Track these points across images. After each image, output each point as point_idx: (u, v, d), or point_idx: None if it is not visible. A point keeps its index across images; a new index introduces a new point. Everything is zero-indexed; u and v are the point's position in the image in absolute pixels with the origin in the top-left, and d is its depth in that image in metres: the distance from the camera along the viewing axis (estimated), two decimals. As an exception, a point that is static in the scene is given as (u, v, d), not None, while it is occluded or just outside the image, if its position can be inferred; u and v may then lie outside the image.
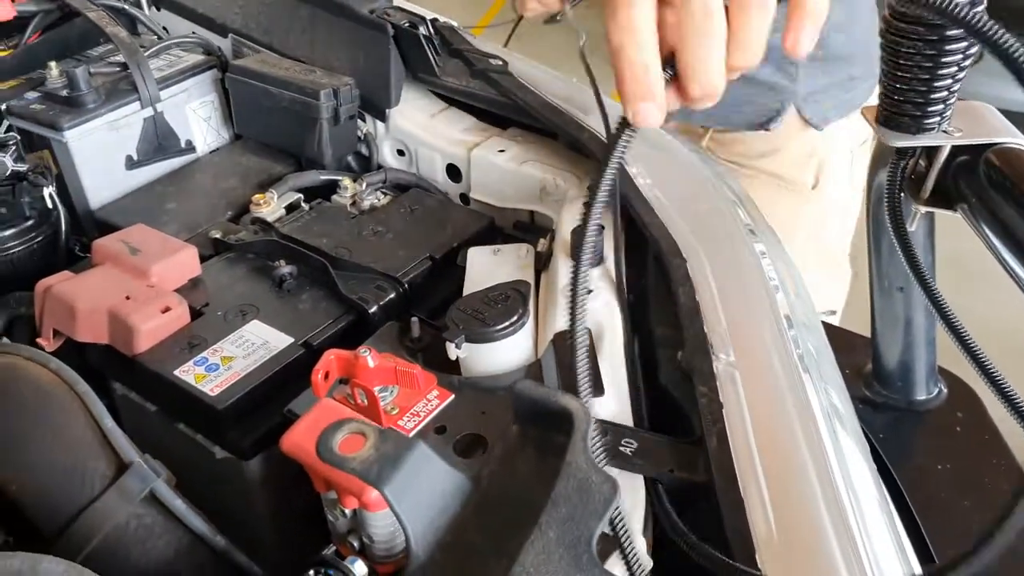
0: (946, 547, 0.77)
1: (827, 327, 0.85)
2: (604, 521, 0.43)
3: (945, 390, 0.97)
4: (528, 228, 0.97)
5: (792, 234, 1.35)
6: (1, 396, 0.63)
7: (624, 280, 0.76)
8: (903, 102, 0.65)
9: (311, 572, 0.53)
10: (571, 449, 0.46)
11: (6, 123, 1.01)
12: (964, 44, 0.61)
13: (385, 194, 0.99)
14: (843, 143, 1.38)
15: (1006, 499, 0.49)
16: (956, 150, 0.68)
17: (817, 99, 1.32)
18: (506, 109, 0.99)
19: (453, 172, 1.02)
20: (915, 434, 0.94)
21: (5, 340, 0.76)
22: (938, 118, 0.65)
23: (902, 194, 0.70)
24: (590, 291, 0.76)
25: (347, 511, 0.60)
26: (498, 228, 0.96)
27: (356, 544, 0.60)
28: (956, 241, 0.88)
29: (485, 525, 0.46)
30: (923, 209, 0.70)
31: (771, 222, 1.18)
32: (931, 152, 0.69)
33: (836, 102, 1.33)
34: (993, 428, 0.93)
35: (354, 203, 0.97)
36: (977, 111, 0.68)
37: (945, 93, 0.64)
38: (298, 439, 0.59)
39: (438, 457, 0.47)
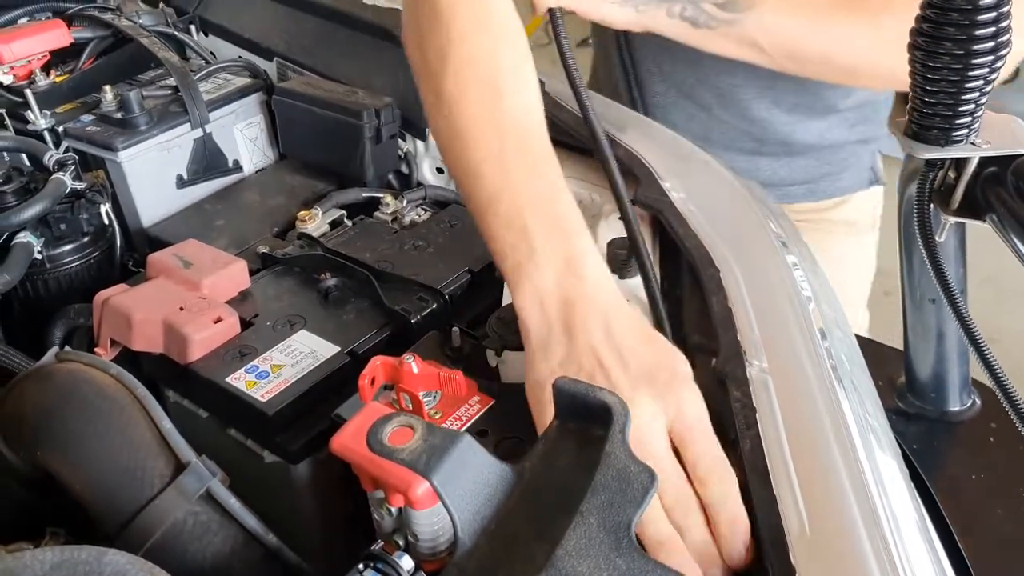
0: (980, 555, 0.78)
1: (860, 339, 0.86)
2: (642, 508, 0.45)
3: (979, 401, 0.97)
4: (564, 242, 0.99)
5: (856, 272, 1.35)
6: (65, 400, 0.67)
7: (658, 289, 0.78)
8: (932, 115, 0.66)
9: (360, 566, 0.56)
10: (610, 440, 0.48)
11: (64, 144, 1.06)
12: (992, 57, 0.62)
13: (425, 210, 1.01)
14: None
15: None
16: (984, 161, 0.69)
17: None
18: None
19: (491, 189, 1.05)
20: (948, 445, 0.95)
21: (67, 348, 0.80)
22: (966, 130, 0.67)
23: (931, 205, 0.72)
24: (627, 300, 0.78)
25: (393, 510, 0.62)
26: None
27: (401, 542, 0.62)
28: (994, 258, 0.89)
29: (528, 513, 0.48)
30: (952, 220, 0.72)
31: (839, 264, 1.18)
32: (960, 164, 0.70)
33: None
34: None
35: (395, 219, 1.00)
36: (1005, 123, 0.69)
37: (973, 105, 0.65)
38: (347, 440, 0.62)
39: (483, 449, 0.49)
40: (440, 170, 1.09)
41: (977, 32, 0.62)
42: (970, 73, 0.63)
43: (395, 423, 0.51)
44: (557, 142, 1.03)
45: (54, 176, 0.92)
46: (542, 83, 1.01)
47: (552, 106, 0.98)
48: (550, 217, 0.67)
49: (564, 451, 0.49)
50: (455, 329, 0.79)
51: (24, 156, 1.01)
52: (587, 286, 0.65)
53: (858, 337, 0.86)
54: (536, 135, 0.70)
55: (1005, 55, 0.62)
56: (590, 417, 0.50)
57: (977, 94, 0.65)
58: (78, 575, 0.53)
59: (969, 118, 0.66)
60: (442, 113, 0.72)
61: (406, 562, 0.55)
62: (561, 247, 0.66)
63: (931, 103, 0.66)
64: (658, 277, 0.78)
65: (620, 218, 0.79)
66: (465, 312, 0.87)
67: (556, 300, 0.64)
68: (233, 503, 0.63)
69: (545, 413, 0.59)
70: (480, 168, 0.69)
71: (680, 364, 0.62)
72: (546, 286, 0.65)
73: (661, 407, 0.60)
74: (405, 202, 1.00)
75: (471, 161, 0.69)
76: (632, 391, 0.59)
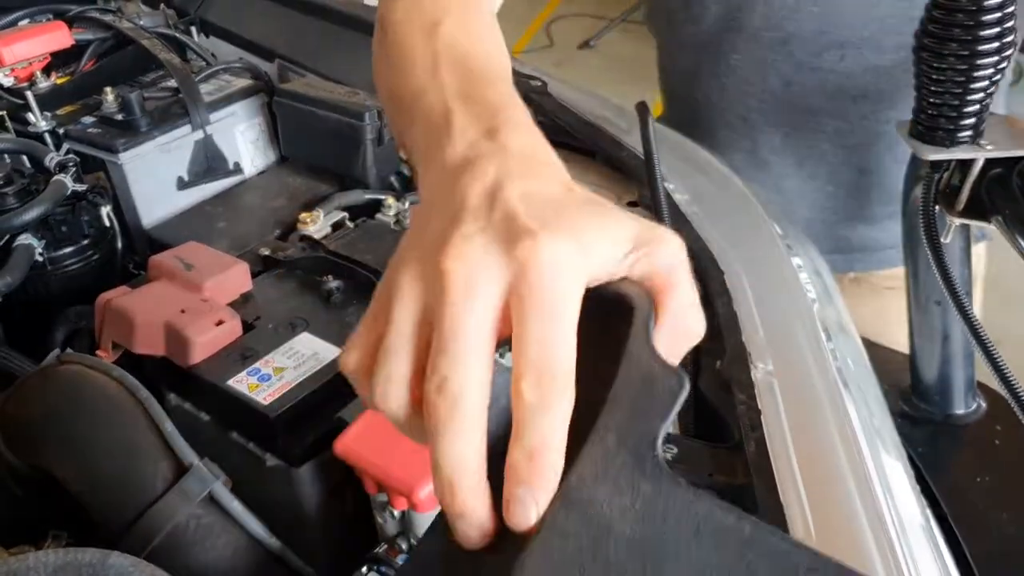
0: (985, 558, 0.78)
1: (865, 342, 0.86)
2: (669, 420, 0.36)
3: (984, 405, 0.97)
4: (567, 244, 0.99)
5: None
6: (68, 402, 0.67)
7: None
8: (937, 116, 0.67)
9: (363, 569, 0.55)
10: (631, 340, 0.38)
11: (65, 146, 1.06)
12: (996, 58, 0.62)
13: (427, 212, 1.01)
14: None
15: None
16: (990, 163, 0.69)
17: None
18: (545, 128, 1.02)
19: (493, 190, 1.05)
20: (953, 447, 0.95)
21: (69, 351, 0.79)
22: (972, 131, 0.67)
23: (936, 207, 0.72)
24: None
25: (396, 513, 0.62)
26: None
27: (404, 545, 0.62)
28: (998, 263, 0.88)
29: None
30: (957, 221, 0.72)
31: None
32: (965, 165, 0.70)
33: None
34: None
35: (397, 221, 0.99)
36: (1011, 124, 0.69)
37: (978, 106, 0.65)
38: (350, 443, 0.62)
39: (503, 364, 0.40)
40: (442, 172, 1.09)
41: (982, 33, 0.62)
42: (975, 74, 0.63)
43: None
44: (560, 143, 1.03)
45: (55, 178, 0.92)
46: (544, 83, 1.02)
47: (556, 108, 0.98)
48: (479, 100, 0.50)
49: (582, 359, 0.38)
50: (458, 331, 0.79)
51: (25, 158, 1.00)
52: (504, 147, 0.45)
53: (863, 340, 0.86)
54: (480, 56, 0.56)
55: (1010, 55, 0.62)
56: (609, 312, 0.39)
57: (982, 95, 0.65)
58: (80, 578, 0.53)
59: (974, 119, 0.66)
60: (383, 60, 0.63)
61: (410, 565, 0.55)
62: (485, 118, 0.48)
63: (936, 104, 0.66)
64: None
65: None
66: (468, 314, 0.86)
67: (458, 159, 0.45)
68: (235, 506, 0.63)
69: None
70: (410, 86, 0.55)
71: (577, 222, 0.39)
72: (453, 151, 0.46)
73: (500, 261, 0.38)
74: (407, 204, 1.00)
75: (405, 88, 0.56)
76: (469, 235, 0.39)
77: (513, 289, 0.38)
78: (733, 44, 0.96)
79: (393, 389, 0.39)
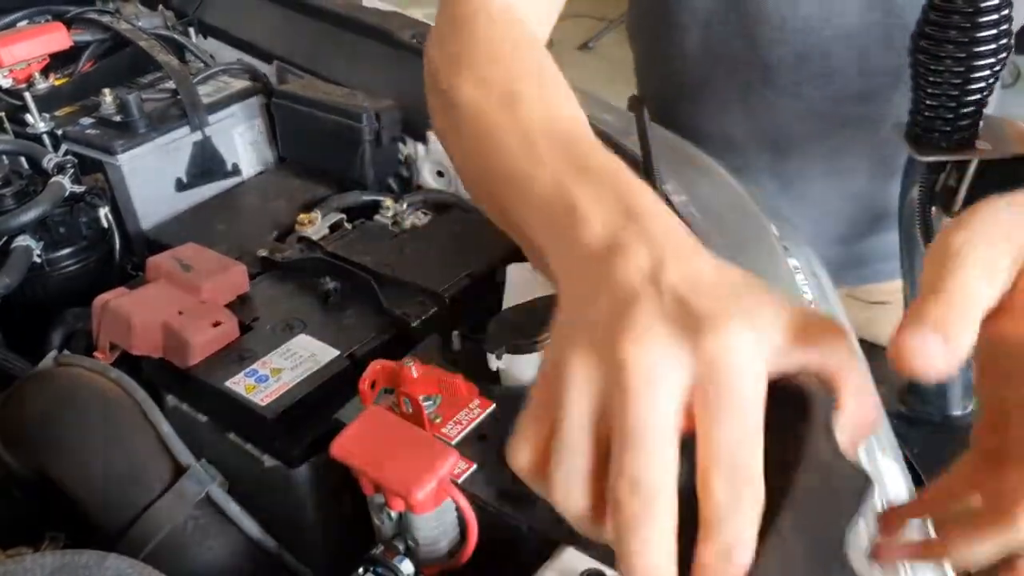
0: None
1: (862, 343, 0.86)
2: (855, 521, 0.35)
3: (981, 406, 0.97)
4: (565, 246, 0.99)
5: None
6: (65, 404, 0.67)
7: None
8: (933, 118, 0.67)
9: (360, 570, 0.56)
10: (811, 434, 0.36)
11: (63, 147, 1.06)
12: (993, 59, 0.62)
13: (426, 213, 1.01)
14: None
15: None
16: (986, 164, 0.69)
17: None
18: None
19: (491, 192, 1.05)
20: (950, 448, 0.94)
21: (66, 352, 0.80)
22: (968, 133, 0.67)
23: (933, 208, 0.72)
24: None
25: (393, 514, 0.62)
26: (535, 247, 0.98)
27: (402, 547, 0.62)
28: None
29: None
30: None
31: None
32: (961, 166, 0.70)
33: None
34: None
35: (395, 222, 1.00)
36: (1006, 126, 0.70)
37: (974, 109, 0.65)
38: (347, 444, 0.62)
39: None
40: (440, 174, 1.09)
41: (979, 34, 0.62)
42: (972, 75, 0.63)
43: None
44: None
45: (53, 179, 0.92)
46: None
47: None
48: (597, 177, 0.48)
49: None
50: (456, 333, 0.79)
51: (23, 159, 1.00)
52: (646, 230, 0.43)
53: (860, 341, 0.86)
54: (570, 129, 0.55)
55: (1006, 57, 0.62)
56: (782, 403, 0.37)
57: (979, 96, 0.65)
58: (78, 580, 0.53)
59: (971, 121, 0.66)
60: (459, 136, 0.61)
61: (406, 566, 0.55)
62: (614, 199, 0.46)
63: (933, 106, 0.66)
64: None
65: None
66: (466, 316, 0.86)
67: (601, 243, 0.43)
68: (233, 507, 0.63)
69: (541, 370, 0.42)
70: (510, 168, 0.54)
71: (751, 306, 0.38)
72: (592, 234, 0.44)
73: (685, 350, 0.36)
74: (405, 205, 1.00)
75: (499, 165, 0.55)
76: (649, 323, 0.37)
77: (699, 383, 0.36)
78: (714, 69, 0.96)
79: (575, 488, 0.38)
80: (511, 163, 0.53)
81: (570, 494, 0.38)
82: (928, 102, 0.66)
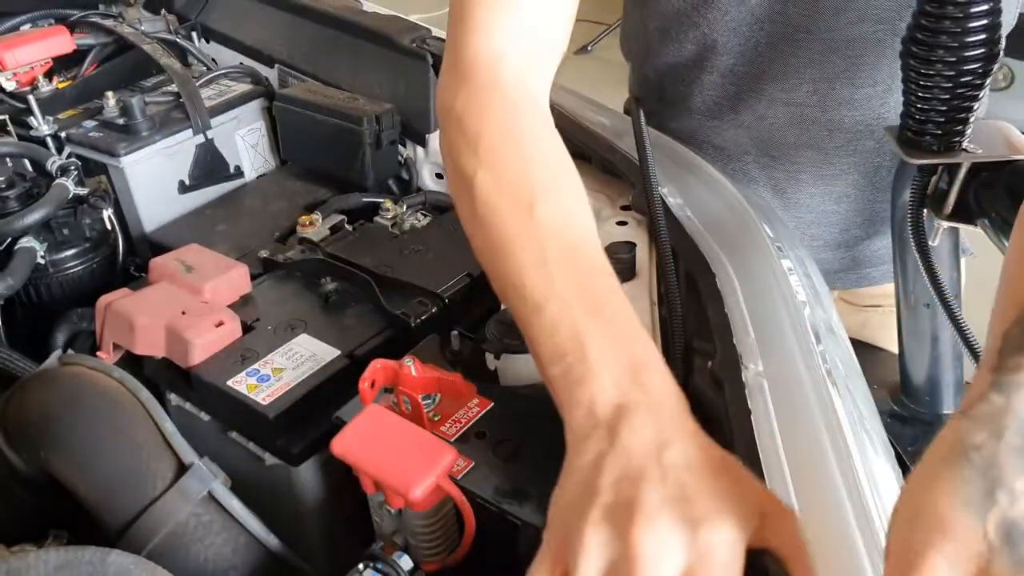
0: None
1: (855, 343, 0.87)
2: None
3: (974, 405, 0.98)
4: (563, 248, 1.00)
5: None
6: (69, 403, 0.68)
7: (656, 293, 0.79)
8: (924, 122, 0.68)
9: (360, 566, 0.56)
10: None
11: (66, 150, 1.07)
12: (981, 64, 0.63)
13: (425, 215, 1.02)
14: None
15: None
16: (977, 167, 0.70)
17: None
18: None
19: (490, 194, 1.06)
20: (943, 447, 0.95)
21: (70, 352, 0.81)
22: (959, 136, 0.68)
23: (924, 210, 0.73)
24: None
25: (393, 511, 0.63)
26: (534, 247, 0.99)
27: (401, 543, 0.63)
28: (985, 266, 0.89)
29: None
30: (945, 224, 0.73)
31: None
32: (952, 169, 0.71)
33: None
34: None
35: (395, 224, 1.01)
36: (997, 129, 0.70)
37: (965, 113, 0.66)
38: (348, 442, 0.63)
39: None
40: (440, 176, 1.10)
41: (969, 39, 0.63)
42: (963, 80, 0.64)
43: None
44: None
45: (57, 181, 0.93)
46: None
47: (553, 114, 0.99)
48: (605, 322, 0.57)
49: None
50: (455, 333, 0.80)
51: (27, 162, 1.01)
52: (648, 394, 0.54)
53: (853, 341, 0.86)
54: (580, 244, 0.62)
55: (995, 61, 0.63)
56: None
57: (969, 100, 0.66)
58: (82, 575, 0.54)
59: (962, 125, 0.67)
60: (479, 232, 0.66)
61: (405, 562, 0.56)
62: (621, 352, 0.56)
63: (924, 110, 0.67)
64: (674, 283, 0.78)
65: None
66: (465, 316, 0.87)
67: (610, 404, 0.53)
68: (235, 504, 0.64)
69: (554, 517, 0.50)
70: (522, 278, 0.61)
71: (734, 501, 0.48)
72: (603, 389, 0.54)
73: (684, 540, 0.46)
74: (405, 207, 1.01)
75: (512, 273, 0.62)
76: (656, 510, 0.46)
77: (692, 567, 0.45)
78: (707, 79, 0.97)
79: None
80: (524, 280, 0.60)
81: None
82: (919, 105, 0.67)
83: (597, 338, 0.56)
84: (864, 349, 1.10)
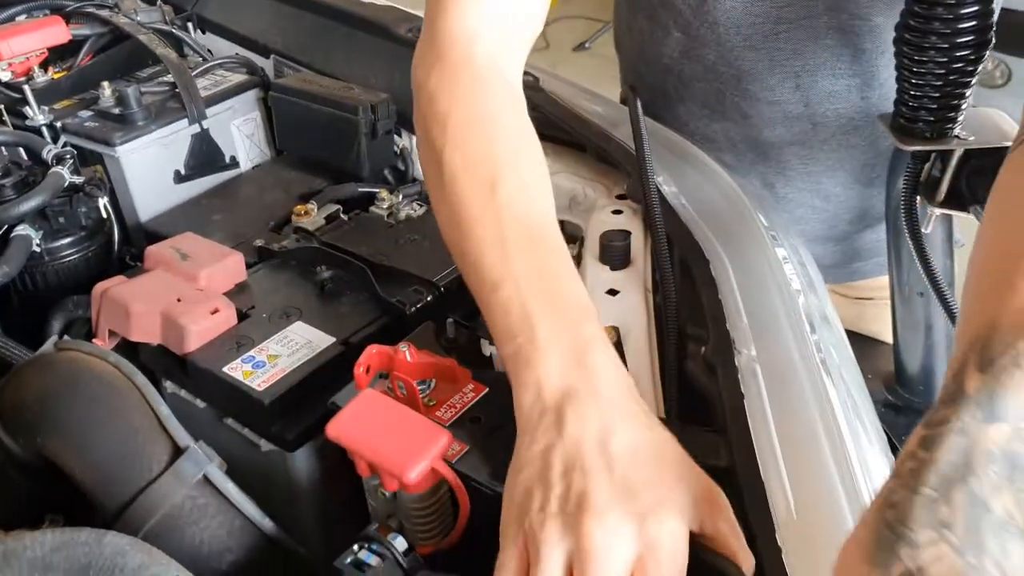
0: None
1: (849, 333, 0.87)
2: None
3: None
4: (558, 237, 1.01)
5: None
6: (65, 387, 0.68)
7: (651, 280, 0.79)
8: (917, 108, 0.68)
9: (355, 547, 0.57)
10: None
11: (62, 140, 1.07)
12: (975, 50, 0.64)
13: (420, 205, 1.02)
14: None
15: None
16: (969, 154, 0.71)
17: None
18: (536, 123, 1.03)
19: (485, 184, 1.06)
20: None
21: (66, 338, 0.81)
22: (952, 124, 0.68)
23: (918, 198, 0.73)
24: (617, 292, 0.79)
25: (388, 494, 0.63)
26: (529, 238, 0.99)
27: (396, 526, 0.63)
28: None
29: None
30: (938, 211, 0.73)
31: None
32: (945, 156, 0.72)
33: None
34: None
35: (391, 214, 1.01)
36: (989, 117, 0.71)
37: (957, 100, 0.67)
38: (343, 426, 0.63)
39: None
40: (435, 166, 1.10)
41: (962, 26, 0.63)
42: (955, 66, 0.65)
43: None
44: (552, 138, 1.05)
45: (53, 170, 0.93)
46: (536, 79, 1.03)
47: (547, 103, 0.99)
48: (555, 305, 0.61)
49: None
50: (450, 320, 0.80)
51: (22, 150, 1.01)
52: (592, 378, 0.57)
53: (848, 332, 0.87)
54: (538, 224, 0.65)
55: (988, 48, 0.63)
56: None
57: (961, 88, 0.66)
58: (78, 556, 0.54)
59: (954, 111, 0.68)
60: (444, 208, 0.69)
61: (400, 543, 0.57)
62: (567, 335, 0.59)
63: (917, 96, 0.68)
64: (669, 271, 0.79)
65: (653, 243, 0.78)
66: (460, 305, 0.87)
67: (556, 389, 0.56)
68: (230, 487, 0.64)
69: (511, 505, 0.54)
70: (480, 256, 0.64)
71: (676, 491, 0.52)
72: (548, 373, 0.57)
73: (633, 531, 0.50)
74: (401, 197, 1.01)
75: (472, 251, 0.65)
76: (606, 505, 0.50)
77: (642, 559, 0.49)
78: (693, 72, 0.98)
79: None
80: (482, 259, 0.64)
81: None
82: (912, 92, 0.67)
83: (546, 321, 0.59)
84: (859, 340, 1.10)
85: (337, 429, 0.63)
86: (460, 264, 0.68)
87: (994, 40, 0.64)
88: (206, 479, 0.64)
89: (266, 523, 0.65)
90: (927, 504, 0.40)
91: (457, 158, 0.67)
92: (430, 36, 0.75)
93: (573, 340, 0.59)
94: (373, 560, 0.56)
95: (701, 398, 0.70)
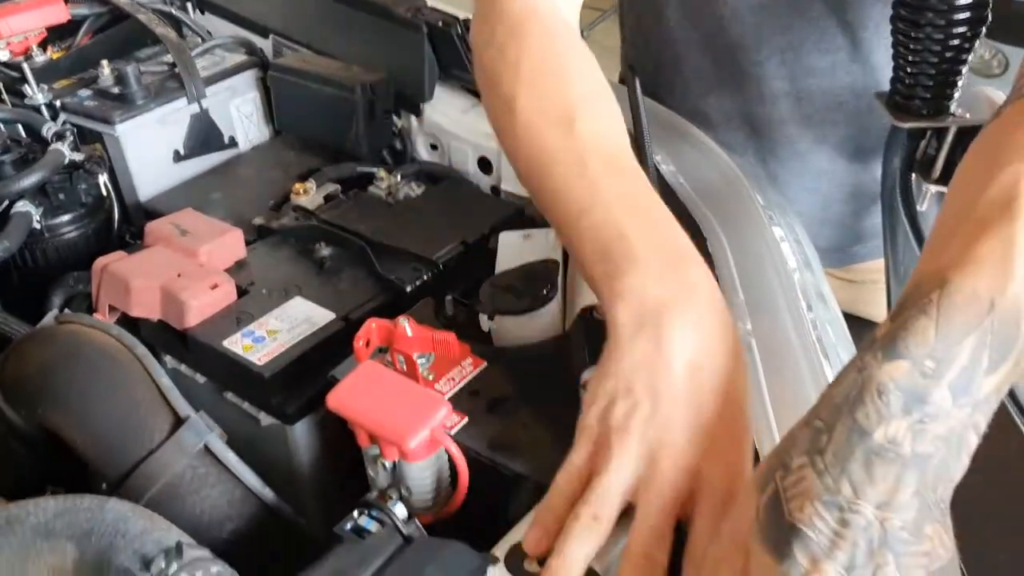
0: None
1: (848, 317, 0.87)
2: None
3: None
4: (556, 217, 1.01)
5: None
6: (67, 358, 0.68)
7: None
8: (914, 85, 0.68)
9: (355, 513, 0.57)
10: None
11: (61, 118, 1.07)
12: (971, 26, 0.64)
13: (419, 185, 1.03)
14: None
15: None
16: (965, 131, 0.71)
17: None
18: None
19: (484, 165, 1.06)
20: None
21: (67, 311, 0.81)
22: (947, 100, 0.69)
23: (913, 176, 0.74)
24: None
25: (388, 464, 0.64)
26: (528, 218, 1.00)
27: (395, 495, 0.64)
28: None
29: None
30: (934, 189, 0.74)
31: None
32: (941, 134, 0.72)
33: None
34: (1006, 409, 0.94)
35: (389, 193, 1.01)
36: (985, 94, 0.71)
37: (954, 76, 0.67)
38: (343, 396, 0.63)
39: None
40: (434, 147, 1.11)
41: (958, 2, 0.64)
42: (952, 43, 0.65)
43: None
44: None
45: (52, 146, 0.93)
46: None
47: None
48: (648, 221, 0.60)
49: None
50: (449, 298, 0.81)
51: (21, 128, 1.02)
52: (691, 292, 0.56)
53: (844, 315, 0.87)
54: (619, 155, 0.65)
55: (984, 23, 0.64)
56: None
57: (958, 64, 0.67)
58: (81, 522, 0.55)
59: (950, 88, 0.68)
60: (522, 152, 0.69)
61: (400, 509, 0.57)
62: (664, 248, 0.58)
63: (913, 74, 0.68)
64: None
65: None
66: (459, 283, 0.88)
67: (654, 298, 0.55)
68: (231, 457, 0.65)
69: (594, 406, 0.54)
70: (566, 191, 0.63)
71: (697, 444, 0.53)
72: (645, 284, 0.56)
73: (639, 464, 0.52)
74: (399, 177, 1.02)
75: (554, 186, 0.64)
76: (624, 431, 0.52)
77: (640, 482, 0.52)
78: (688, 47, 0.98)
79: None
80: (567, 192, 0.63)
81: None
82: (908, 69, 0.68)
83: (641, 234, 0.58)
84: (855, 322, 1.10)
85: (337, 399, 0.63)
86: (542, 204, 0.67)
87: (990, 18, 0.65)
88: (207, 449, 0.65)
89: (266, 493, 0.66)
90: (810, 434, 0.44)
91: (532, 101, 0.68)
92: (485, 4, 0.76)
93: (671, 251, 0.59)
94: (373, 526, 0.56)
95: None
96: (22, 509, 0.56)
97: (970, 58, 0.67)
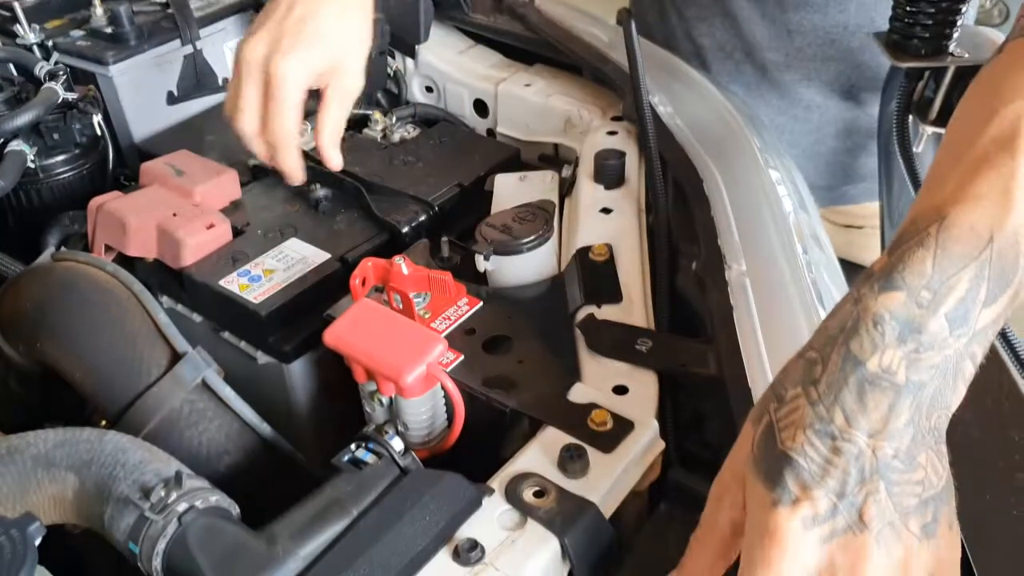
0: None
1: (843, 263, 0.88)
2: None
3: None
4: (552, 160, 1.01)
5: None
6: (64, 296, 0.69)
7: (645, 198, 0.80)
8: (912, 25, 0.68)
9: (353, 445, 0.58)
10: None
11: (54, 58, 1.06)
12: (970, -34, 0.64)
13: (415, 127, 1.02)
14: None
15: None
16: (963, 72, 0.71)
17: None
18: (532, 45, 1.03)
19: (480, 107, 1.06)
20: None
21: (63, 249, 0.81)
22: (946, 40, 0.68)
23: (910, 117, 0.73)
24: (610, 210, 0.80)
25: (384, 399, 0.64)
26: (524, 161, 1.00)
27: (392, 431, 0.65)
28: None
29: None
30: (930, 130, 0.74)
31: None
32: (939, 75, 0.72)
33: None
34: (1004, 366, 0.95)
35: (385, 136, 1.01)
36: (984, 36, 0.71)
37: (951, 16, 0.67)
38: (340, 333, 0.64)
39: (606, 521, 0.53)
40: (430, 89, 1.10)
41: (959, -61, 0.63)
42: (950, -18, 0.65)
43: (532, 483, 0.54)
44: (546, 59, 1.04)
45: (46, 85, 0.92)
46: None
47: (542, 23, 0.99)
48: None
49: (672, 532, 0.53)
50: (445, 239, 0.81)
51: (12, 67, 1.00)
52: None
53: (841, 261, 0.87)
54: None
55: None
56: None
57: (957, 3, 0.66)
58: (80, 452, 0.56)
59: (949, 28, 0.68)
60: None
61: (396, 443, 0.58)
62: None
63: (912, 12, 0.68)
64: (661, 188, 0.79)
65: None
66: (455, 225, 0.88)
67: None
68: (228, 392, 0.65)
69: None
70: None
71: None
72: None
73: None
74: (395, 119, 1.01)
75: None
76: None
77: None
78: None
79: None
80: None
81: None
82: (907, 8, 0.67)
83: None
84: (848, 268, 1.10)
85: (334, 335, 0.64)
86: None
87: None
88: (204, 384, 0.65)
89: (264, 427, 0.67)
90: (804, 365, 0.44)
91: None
92: None
93: None
94: (370, 458, 0.57)
95: (692, 312, 0.71)
96: (22, 440, 0.56)
97: (971, 7, 0.67)
